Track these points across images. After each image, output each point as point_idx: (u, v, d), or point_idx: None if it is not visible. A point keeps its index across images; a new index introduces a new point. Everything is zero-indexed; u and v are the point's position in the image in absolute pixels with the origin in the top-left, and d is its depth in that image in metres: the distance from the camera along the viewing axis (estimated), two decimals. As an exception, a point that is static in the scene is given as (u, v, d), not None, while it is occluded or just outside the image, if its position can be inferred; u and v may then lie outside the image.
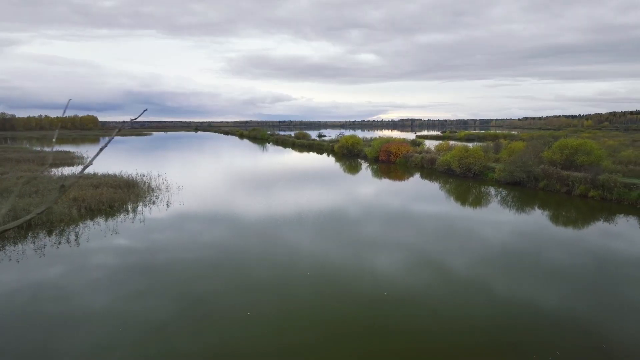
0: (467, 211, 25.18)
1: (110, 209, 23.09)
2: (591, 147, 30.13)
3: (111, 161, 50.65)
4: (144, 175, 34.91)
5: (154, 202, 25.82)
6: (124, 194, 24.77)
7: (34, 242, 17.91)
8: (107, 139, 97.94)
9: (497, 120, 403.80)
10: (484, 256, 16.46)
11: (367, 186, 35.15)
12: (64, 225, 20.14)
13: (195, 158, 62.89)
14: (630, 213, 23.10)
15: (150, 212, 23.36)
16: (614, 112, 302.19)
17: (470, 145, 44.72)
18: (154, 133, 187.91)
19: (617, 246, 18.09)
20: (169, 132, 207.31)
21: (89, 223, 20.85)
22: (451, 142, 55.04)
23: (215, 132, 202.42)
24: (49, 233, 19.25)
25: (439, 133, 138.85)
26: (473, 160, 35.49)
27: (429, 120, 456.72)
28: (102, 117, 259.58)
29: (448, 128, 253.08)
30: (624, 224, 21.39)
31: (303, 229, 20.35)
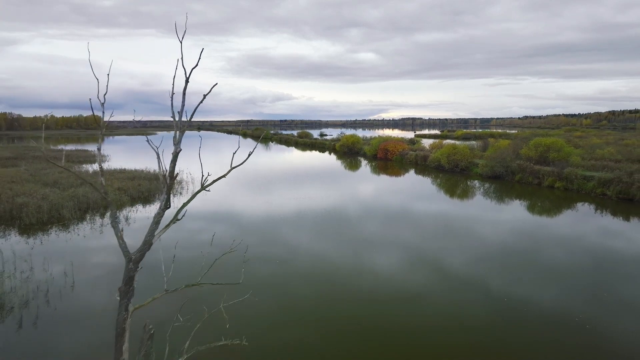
0: (454, 201, 29.46)
1: (148, 197, 27.41)
2: (561, 145, 34.31)
3: (130, 158, 54.96)
4: (166, 170, 39.13)
5: (181, 193, 30.08)
6: (158, 185, 29.09)
7: (93, 222, 22.17)
8: (112, 138, 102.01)
9: (497, 119, 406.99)
10: (466, 240, 20.65)
11: (365, 180, 39.49)
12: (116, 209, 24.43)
13: (207, 155, 67.27)
14: (586, 200, 27.30)
15: (180, 201, 27.62)
16: (613, 110, 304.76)
17: (463, 143, 48.96)
18: (158, 132, 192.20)
19: (580, 228, 22.38)
20: (171, 132, 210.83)
21: (133, 208, 25.12)
22: (444, 141, 59.18)
23: (218, 131, 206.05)
24: (102, 215, 23.53)
25: (438, 132, 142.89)
26: (460, 157, 39.74)
27: (429, 119, 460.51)
28: (104, 117, 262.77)
29: (449, 127, 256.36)
30: (585, 209, 25.60)
31: (308, 218, 24.65)
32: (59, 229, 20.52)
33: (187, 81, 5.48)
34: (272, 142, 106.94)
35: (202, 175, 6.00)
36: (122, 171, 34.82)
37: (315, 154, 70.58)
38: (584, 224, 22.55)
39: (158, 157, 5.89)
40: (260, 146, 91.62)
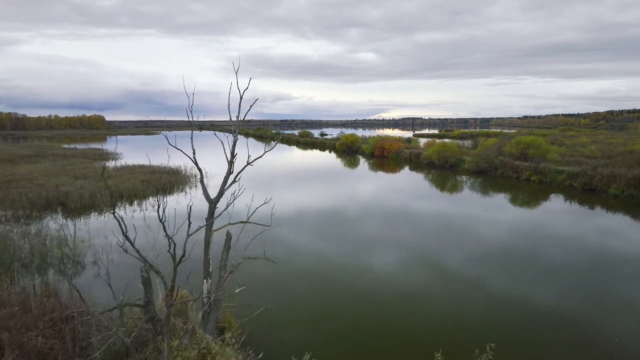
0: (443, 194, 33.06)
1: (169, 189, 30.94)
2: (540, 143, 37.84)
3: (140, 155, 58.33)
4: (180, 166, 42.68)
5: (196, 186, 33.62)
6: (178, 178, 32.67)
7: (125, 208, 25.68)
8: (114, 137, 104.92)
9: (497, 119, 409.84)
10: (452, 228, 24.24)
11: (362, 175, 43.11)
12: (139, 198, 27.96)
13: (214, 153, 70.73)
14: (557, 191, 30.84)
15: (197, 191, 31.16)
16: (612, 110, 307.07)
17: (452, 141, 52.46)
18: (161, 132, 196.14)
19: (550, 215, 25.95)
20: (173, 131, 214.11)
21: (159, 198, 28.61)
22: (438, 140, 62.64)
23: (220, 131, 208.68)
24: (130, 203, 27.03)
25: (437, 132, 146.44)
26: (449, 154, 43.29)
27: (429, 119, 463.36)
28: (105, 116, 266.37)
29: (449, 127, 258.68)
30: (554, 198, 29.15)
31: (311, 207, 28.21)
32: (97, 213, 24.06)
33: (241, 97, 8.97)
34: (274, 141, 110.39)
35: (248, 155, 9.43)
36: (142, 166, 38.33)
37: (316, 152, 74.08)
38: (554, 210, 26.12)
39: (223, 145, 9.36)
40: (262, 145, 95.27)
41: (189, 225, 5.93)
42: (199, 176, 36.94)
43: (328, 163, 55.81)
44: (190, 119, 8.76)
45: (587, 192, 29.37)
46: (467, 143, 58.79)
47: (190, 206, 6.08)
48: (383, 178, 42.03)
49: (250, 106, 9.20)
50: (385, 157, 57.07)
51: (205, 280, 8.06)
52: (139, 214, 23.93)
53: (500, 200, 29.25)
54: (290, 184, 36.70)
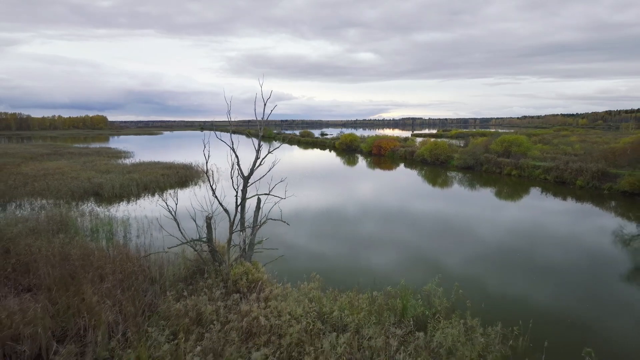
0: (434, 188, 36.61)
1: (186, 182, 34.52)
2: (522, 141, 41.38)
3: (149, 153, 61.82)
4: (190, 163, 46.23)
5: (203, 181, 37.21)
6: (192, 173, 36.26)
7: (150, 198, 29.18)
8: (117, 137, 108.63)
9: (497, 118, 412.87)
10: (440, 214, 27.75)
11: (360, 172, 46.66)
12: (160, 190, 31.49)
13: (220, 152, 74.28)
14: (533, 184, 34.37)
15: (207, 185, 34.70)
16: (610, 110, 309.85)
17: (442, 140, 56.03)
18: (164, 132, 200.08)
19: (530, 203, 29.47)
20: (174, 132, 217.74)
21: (176, 189, 32.16)
22: (432, 139, 66.14)
23: (221, 131, 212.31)
24: (152, 194, 30.56)
25: (435, 132, 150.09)
26: (440, 152, 46.85)
27: (429, 119, 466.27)
28: (107, 116, 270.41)
29: (449, 127, 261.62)
30: (530, 189, 32.68)
31: (314, 197, 31.75)
32: (126, 202, 27.61)
33: (265, 105, 12.44)
34: (275, 141, 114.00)
35: (268, 146, 12.90)
36: (157, 163, 41.88)
37: (316, 151, 77.66)
38: (527, 198, 29.68)
39: (252, 141, 12.83)
40: (266, 145, 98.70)
41: (246, 180, 9.40)
42: (208, 172, 40.71)
43: (328, 161, 59.39)
44: (229, 119, 12.26)
45: (559, 185, 32.90)
46: (461, 142, 62.40)
47: (248, 177, 9.49)
48: (379, 173, 45.58)
49: (272, 110, 12.67)
50: (382, 155, 60.60)
51: (241, 232, 11.55)
52: (162, 202, 27.46)
53: (486, 193, 32.78)
54: (293, 177, 40.26)
